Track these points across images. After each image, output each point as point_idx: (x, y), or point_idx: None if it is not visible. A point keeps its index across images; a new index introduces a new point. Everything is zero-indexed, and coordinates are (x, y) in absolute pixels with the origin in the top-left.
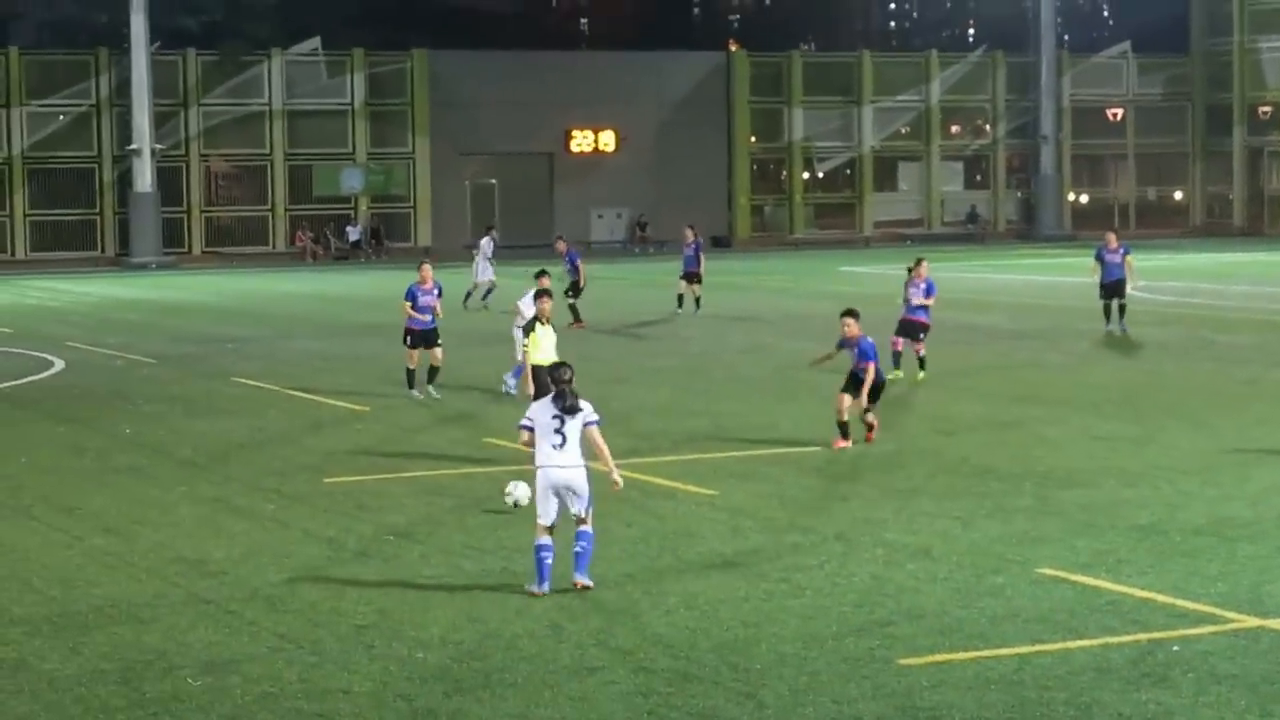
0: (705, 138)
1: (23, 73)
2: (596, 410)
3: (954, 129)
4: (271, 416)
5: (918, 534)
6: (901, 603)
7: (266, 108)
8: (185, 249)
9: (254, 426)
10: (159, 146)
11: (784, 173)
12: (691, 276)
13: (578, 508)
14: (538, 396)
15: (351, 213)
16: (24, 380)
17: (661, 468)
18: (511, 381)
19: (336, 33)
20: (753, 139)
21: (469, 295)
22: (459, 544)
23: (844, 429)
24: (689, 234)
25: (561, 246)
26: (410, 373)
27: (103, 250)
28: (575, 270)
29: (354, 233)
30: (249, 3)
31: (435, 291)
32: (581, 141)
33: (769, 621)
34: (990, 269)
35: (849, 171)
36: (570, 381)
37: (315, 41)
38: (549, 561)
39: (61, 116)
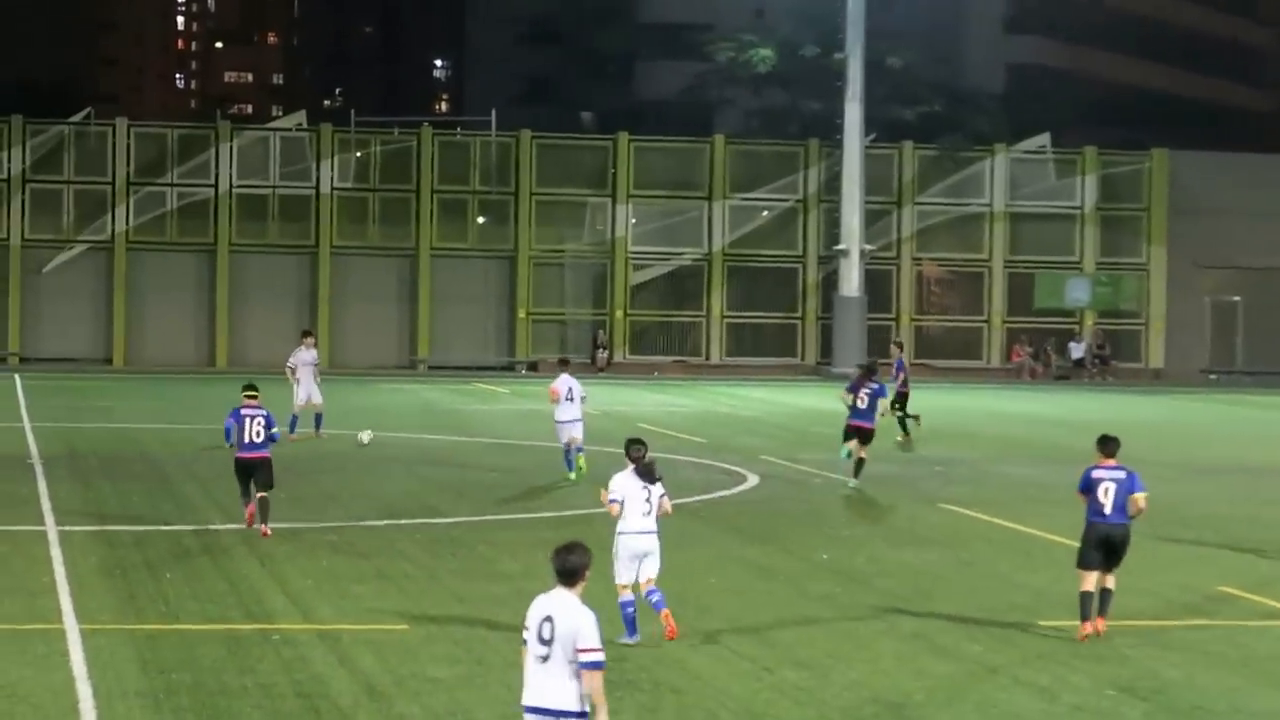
0: None
1: (727, 164)
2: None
3: None
4: (979, 549)
5: None
6: None
7: (987, 209)
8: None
9: (960, 559)
10: (868, 247)
11: None
12: None
13: (652, 571)
14: None
15: (1075, 327)
16: (715, 495)
17: None
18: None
19: (1067, 129)
20: None
21: None
22: (1186, 703)
23: (1088, 603)
24: None
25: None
26: None
27: (802, 357)
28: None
29: (1077, 350)
30: (973, 95)
31: None
32: None
33: None
34: None
35: None
36: (644, 458)
37: (1044, 138)
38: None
39: (765, 212)
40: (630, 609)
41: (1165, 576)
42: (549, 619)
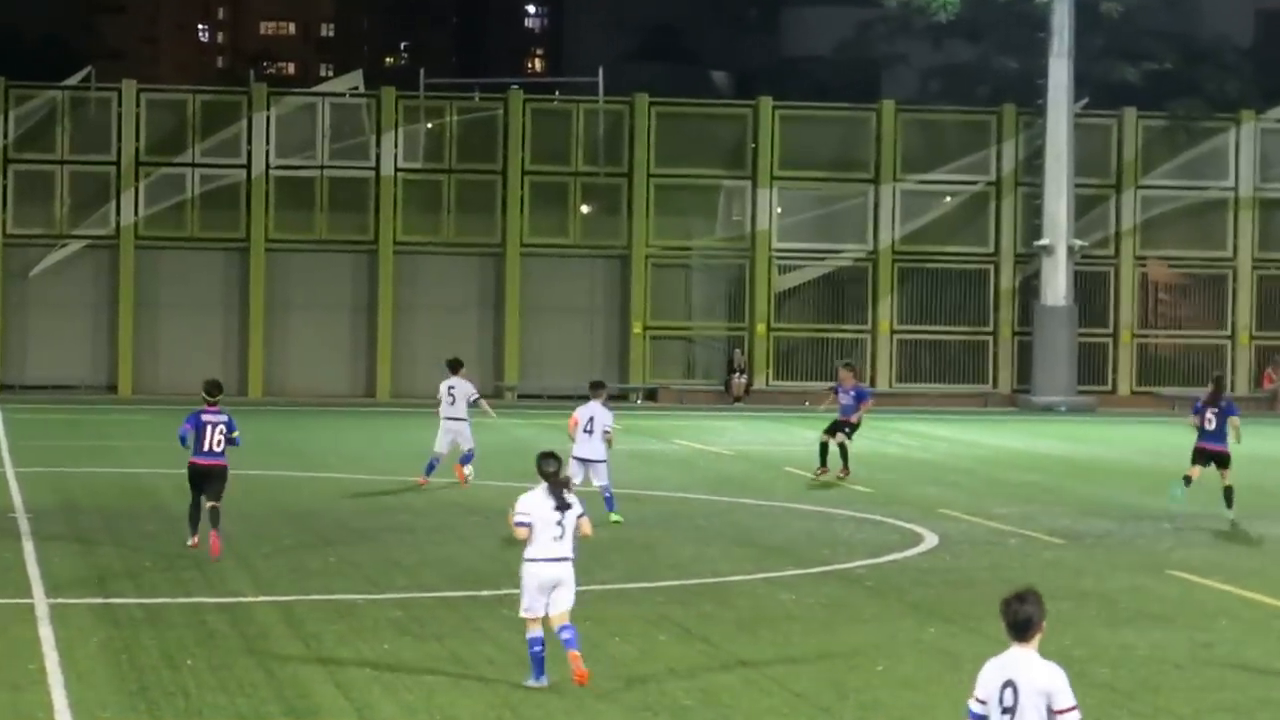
0: None
1: (899, 137)
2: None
3: None
4: (1223, 628)
5: None
6: None
7: (1230, 193)
8: (1108, 386)
9: (1197, 642)
10: (1079, 243)
11: None
12: None
13: (565, 605)
14: None
15: None
16: (884, 559)
17: None
18: None
19: None
20: None
21: None
22: None
23: None
24: None
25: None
26: None
27: (994, 384)
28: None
29: None
30: (1213, 49)
31: None
32: None
33: None
34: None
35: None
36: (558, 474)
37: None
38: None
39: (948, 198)
40: (539, 648)
41: None
42: (1010, 684)
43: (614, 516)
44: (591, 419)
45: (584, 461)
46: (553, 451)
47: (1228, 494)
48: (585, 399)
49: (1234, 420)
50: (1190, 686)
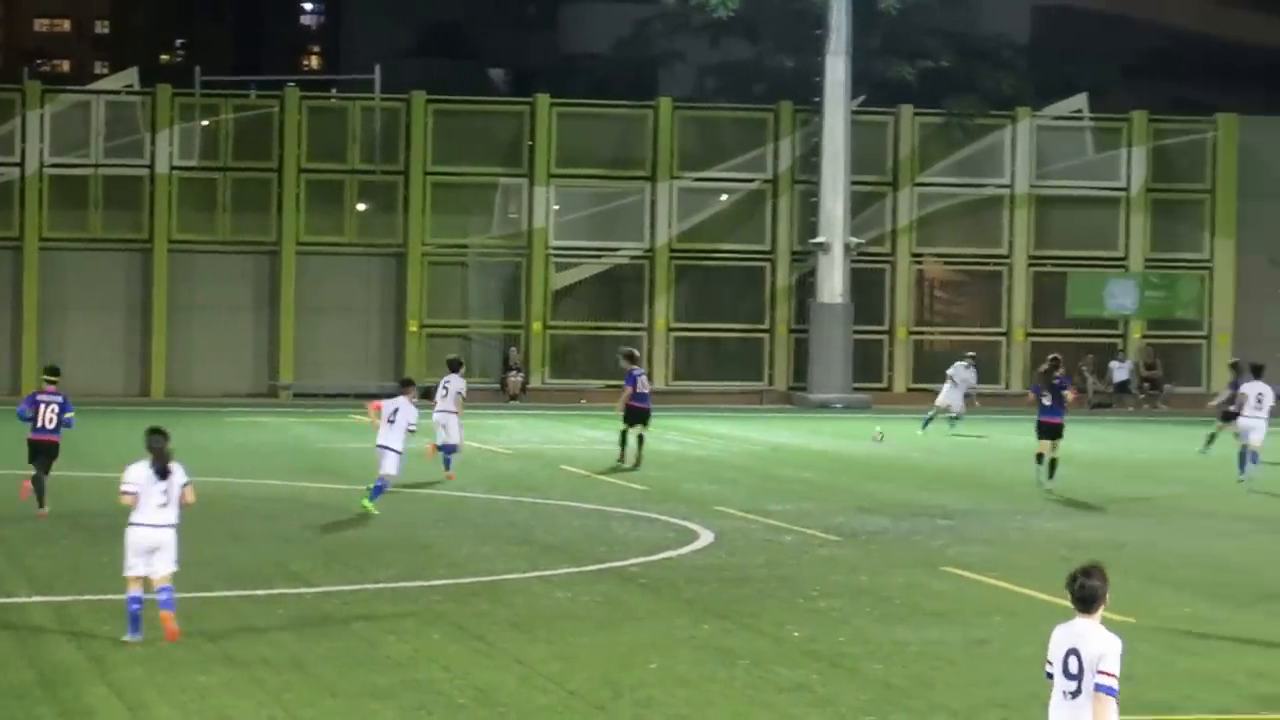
0: None
1: (675, 134)
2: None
3: None
4: (997, 624)
5: None
6: None
7: (1006, 190)
8: (884, 384)
9: (972, 638)
10: (856, 241)
11: None
12: None
13: (165, 568)
14: None
15: (1119, 342)
16: (658, 556)
17: None
18: None
19: (1110, 89)
20: None
21: None
22: None
23: None
24: None
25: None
26: None
27: (770, 381)
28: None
29: (1120, 370)
30: (989, 47)
31: None
32: None
33: None
34: None
35: None
36: (160, 449)
37: (1079, 100)
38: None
39: (724, 196)
40: (136, 606)
41: (1239, 661)
42: (1074, 652)
43: (369, 503)
44: (397, 411)
45: (383, 449)
46: (159, 427)
47: (1053, 466)
48: (361, 397)
49: (1066, 394)
50: (964, 682)
